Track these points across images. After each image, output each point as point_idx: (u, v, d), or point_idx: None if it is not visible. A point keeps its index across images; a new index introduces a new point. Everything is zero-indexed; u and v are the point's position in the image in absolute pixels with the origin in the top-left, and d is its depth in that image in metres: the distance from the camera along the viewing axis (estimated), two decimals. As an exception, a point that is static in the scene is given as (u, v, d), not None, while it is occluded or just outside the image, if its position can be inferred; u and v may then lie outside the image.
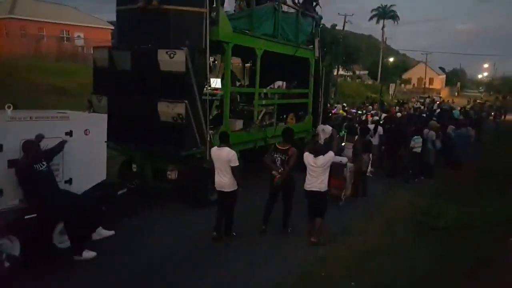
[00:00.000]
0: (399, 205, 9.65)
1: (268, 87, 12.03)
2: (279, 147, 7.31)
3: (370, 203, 9.65)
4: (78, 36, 35.32)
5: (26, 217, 5.53)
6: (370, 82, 66.49)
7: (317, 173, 6.89)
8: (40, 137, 5.72)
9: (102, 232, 6.43)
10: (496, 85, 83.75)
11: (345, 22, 50.52)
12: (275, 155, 7.24)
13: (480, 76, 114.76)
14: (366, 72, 73.50)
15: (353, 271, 6.17)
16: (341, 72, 57.21)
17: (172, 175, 8.44)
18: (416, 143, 11.54)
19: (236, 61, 14.06)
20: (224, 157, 6.78)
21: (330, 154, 6.98)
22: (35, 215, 5.59)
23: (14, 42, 25.67)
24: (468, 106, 33.19)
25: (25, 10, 33.10)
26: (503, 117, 28.64)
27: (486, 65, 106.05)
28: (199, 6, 7.92)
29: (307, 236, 7.17)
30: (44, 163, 5.65)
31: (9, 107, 5.83)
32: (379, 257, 6.68)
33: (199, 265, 6.21)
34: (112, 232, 6.51)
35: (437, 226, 7.86)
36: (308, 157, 7.00)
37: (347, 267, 6.29)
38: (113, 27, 41.58)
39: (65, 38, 35.21)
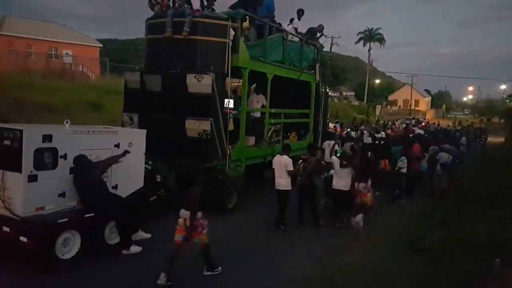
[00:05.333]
0: (386, 224, 9.80)
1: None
2: (304, 157, 8.80)
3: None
4: (67, 53, 35.36)
5: (86, 215, 6.48)
6: (356, 103, 67.99)
7: (340, 175, 8.82)
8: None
9: (141, 234, 7.32)
10: (480, 107, 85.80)
11: (332, 44, 51.87)
12: (300, 163, 8.81)
13: (465, 98, 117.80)
14: (353, 93, 75.19)
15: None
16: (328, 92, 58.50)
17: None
18: (403, 163, 11.94)
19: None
20: (282, 162, 8.57)
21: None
22: (93, 214, 6.56)
23: (2, 58, 25.18)
24: (454, 128, 34.22)
25: (13, 27, 33.32)
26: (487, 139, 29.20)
27: (470, 88, 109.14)
28: (222, 37, 9.16)
29: (332, 226, 9.04)
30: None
31: (67, 122, 6.82)
32: (365, 278, 6.70)
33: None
34: (149, 235, 7.36)
35: (423, 247, 7.93)
36: (335, 162, 8.98)
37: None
38: (101, 45, 42.44)
39: (53, 55, 35.28)
